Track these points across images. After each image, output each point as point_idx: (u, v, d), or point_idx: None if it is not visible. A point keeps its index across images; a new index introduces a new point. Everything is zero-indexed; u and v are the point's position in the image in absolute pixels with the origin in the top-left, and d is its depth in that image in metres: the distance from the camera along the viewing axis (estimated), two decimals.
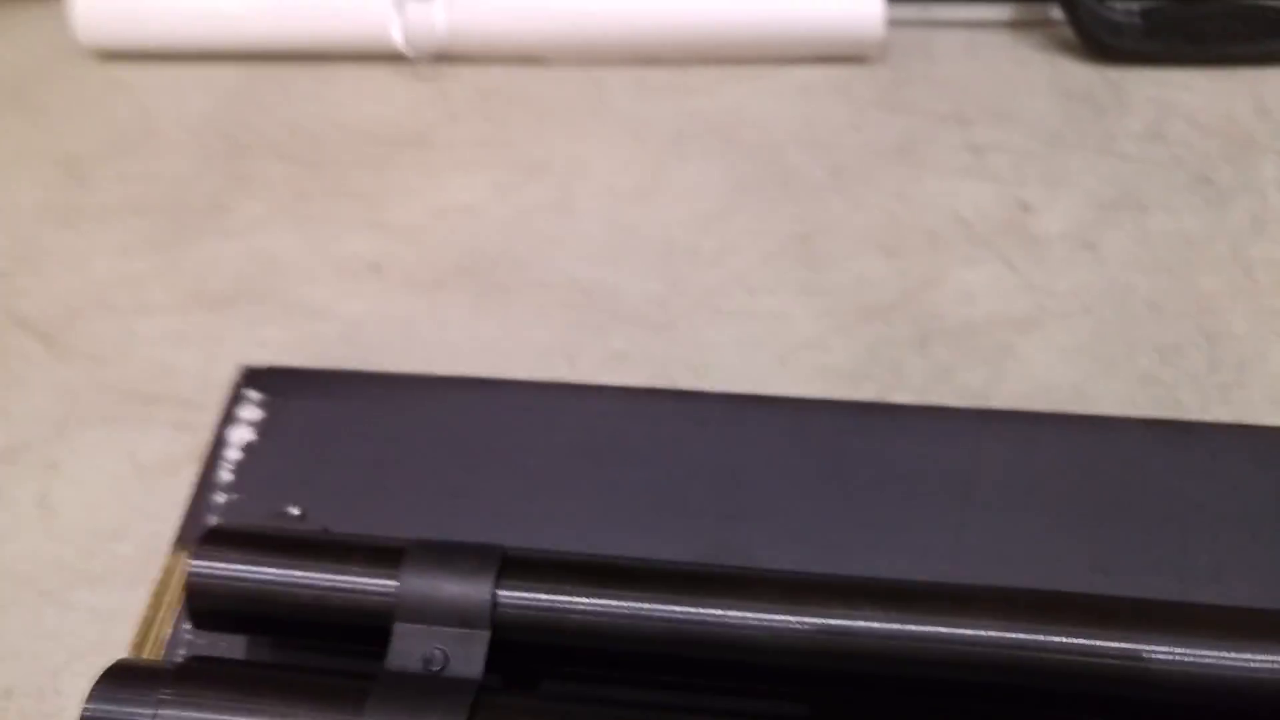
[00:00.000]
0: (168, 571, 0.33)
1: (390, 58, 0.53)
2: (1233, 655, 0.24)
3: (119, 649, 0.32)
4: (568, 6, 0.52)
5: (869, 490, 0.31)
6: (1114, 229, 0.45)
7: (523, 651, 0.26)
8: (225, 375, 0.39)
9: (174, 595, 0.32)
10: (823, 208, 0.46)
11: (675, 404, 0.34)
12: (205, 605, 0.27)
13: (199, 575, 0.27)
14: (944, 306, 0.42)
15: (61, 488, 0.39)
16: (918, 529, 0.30)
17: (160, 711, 0.25)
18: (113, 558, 0.37)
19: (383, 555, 0.26)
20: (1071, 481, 0.31)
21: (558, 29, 0.52)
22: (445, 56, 0.53)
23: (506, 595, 0.26)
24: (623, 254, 0.45)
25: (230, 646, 0.29)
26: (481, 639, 0.25)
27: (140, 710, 0.25)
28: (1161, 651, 0.24)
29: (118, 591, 0.35)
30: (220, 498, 0.34)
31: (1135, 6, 0.51)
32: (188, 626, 0.29)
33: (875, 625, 0.24)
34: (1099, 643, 0.24)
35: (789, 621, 0.24)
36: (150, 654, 0.31)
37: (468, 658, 0.25)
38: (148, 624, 0.32)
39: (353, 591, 0.26)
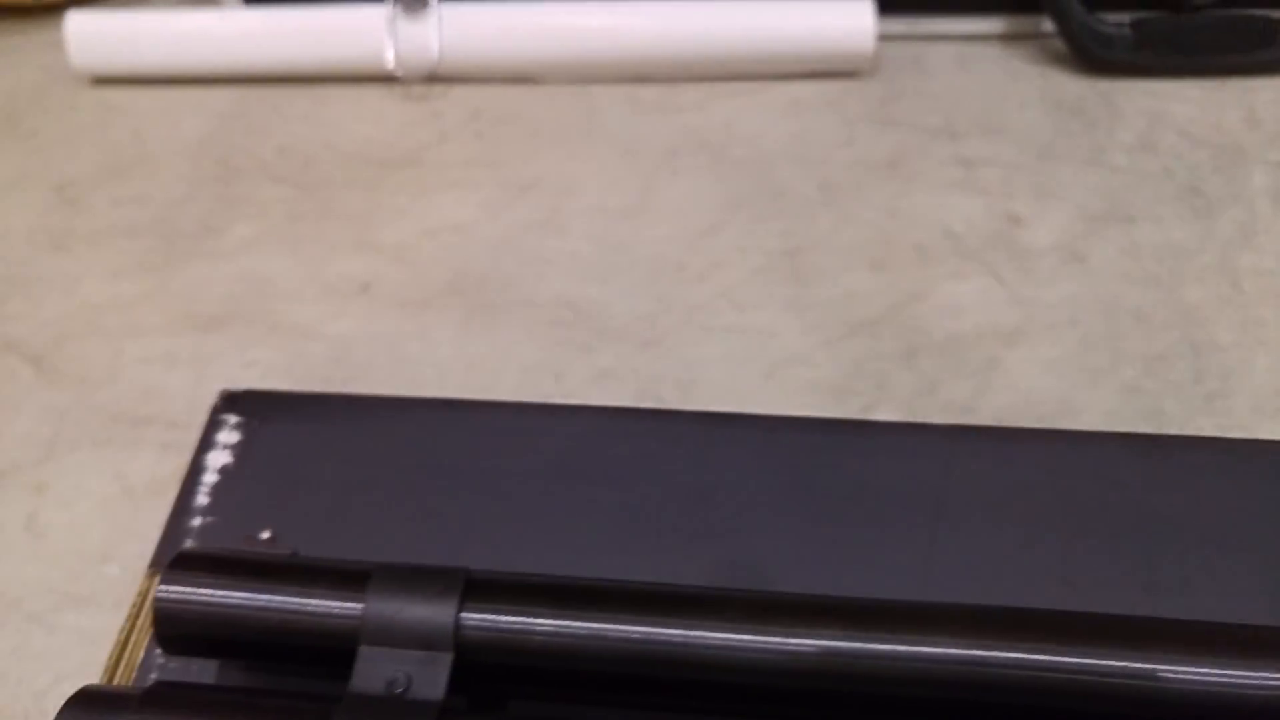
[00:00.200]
0: (142, 595, 0.33)
1: (382, 79, 0.53)
2: (1246, 674, 0.24)
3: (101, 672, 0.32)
4: (558, 25, 0.53)
5: (842, 506, 0.31)
6: (1103, 241, 0.45)
7: (487, 673, 0.26)
8: (214, 397, 0.39)
9: (147, 619, 0.32)
10: (812, 223, 0.46)
11: (649, 423, 0.34)
12: (173, 630, 0.27)
13: (166, 600, 0.27)
14: (931, 320, 0.42)
15: (50, 510, 0.39)
16: (889, 545, 0.30)
17: None
18: (100, 579, 0.37)
19: (348, 579, 0.26)
20: (1042, 496, 0.31)
21: (548, 48, 0.53)
22: (437, 77, 0.53)
23: (469, 618, 0.26)
24: (612, 272, 0.45)
25: (202, 670, 0.29)
26: (444, 661, 0.25)
27: None
28: (1172, 671, 0.24)
29: (105, 613, 0.35)
30: (196, 521, 0.34)
31: (1126, 18, 0.51)
32: (159, 651, 0.29)
33: (842, 645, 0.24)
34: (1105, 662, 0.24)
35: (753, 641, 0.24)
36: (123, 678, 0.31)
37: (430, 680, 0.25)
38: (120, 647, 0.32)
39: (318, 615, 0.26)
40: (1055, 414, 0.38)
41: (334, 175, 0.50)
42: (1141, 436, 0.33)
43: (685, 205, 0.47)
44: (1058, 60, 0.52)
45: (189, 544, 0.33)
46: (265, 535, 0.32)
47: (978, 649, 0.23)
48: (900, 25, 0.53)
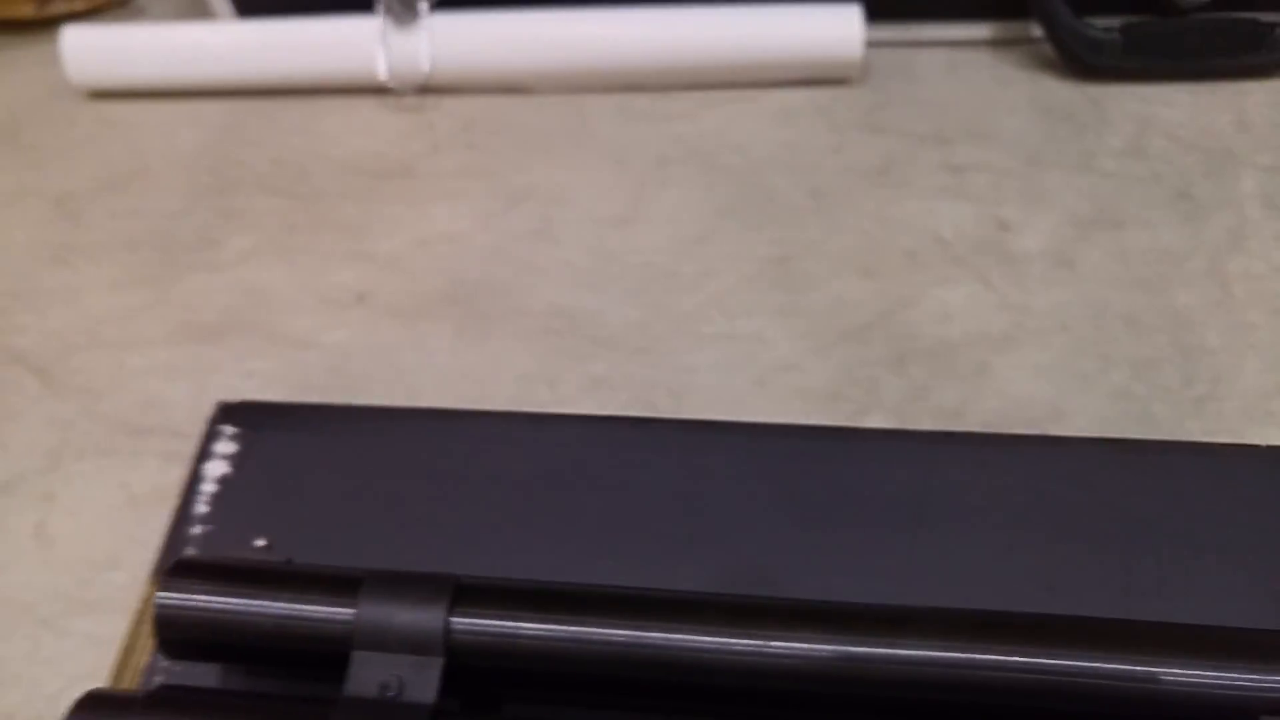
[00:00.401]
0: (145, 601, 0.33)
1: (375, 90, 0.54)
2: (1223, 676, 0.24)
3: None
4: (548, 36, 0.53)
5: (831, 512, 0.32)
6: (1092, 246, 0.45)
7: (478, 676, 0.26)
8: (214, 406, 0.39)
9: (151, 624, 0.32)
10: (802, 230, 0.47)
11: (641, 432, 0.34)
12: (173, 635, 0.28)
13: (166, 606, 0.28)
14: (921, 326, 0.43)
15: (57, 518, 0.40)
16: (879, 550, 0.30)
17: None
18: (108, 586, 0.38)
19: (341, 585, 0.27)
20: (1029, 501, 0.31)
21: (539, 58, 0.53)
22: (429, 88, 0.53)
23: (459, 622, 0.26)
24: (604, 280, 0.45)
25: (204, 674, 0.30)
26: (435, 665, 0.25)
27: None
28: (1150, 672, 0.24)
29: (112, 618, 0.36)
30: (196, 530, 0.34)
31: (1115, 23, 0.51)
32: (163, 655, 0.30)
33: (828, 648, 0.24)
34: (1088, 664, 0.24)
35: (735, 644, 0.25)
36: (128, 682, 0.32)
37: (422, 683, 0.25)
38: (126, 652, 0.32)
39: (312, 621, 0.27)
40: (1045, 419, 0.39)
41: (328, 186, 0.50)
42: (1124, 442, 0.33)
43: (676, 213, 0.48)
44: (1047, 65, 0.53)
45: (188, 552, 0.33)
46: (261, 543, 0.33)
47: (969, 652, 0.24)
48: (889, 32, 0.54)
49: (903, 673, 0.24)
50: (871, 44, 0.52)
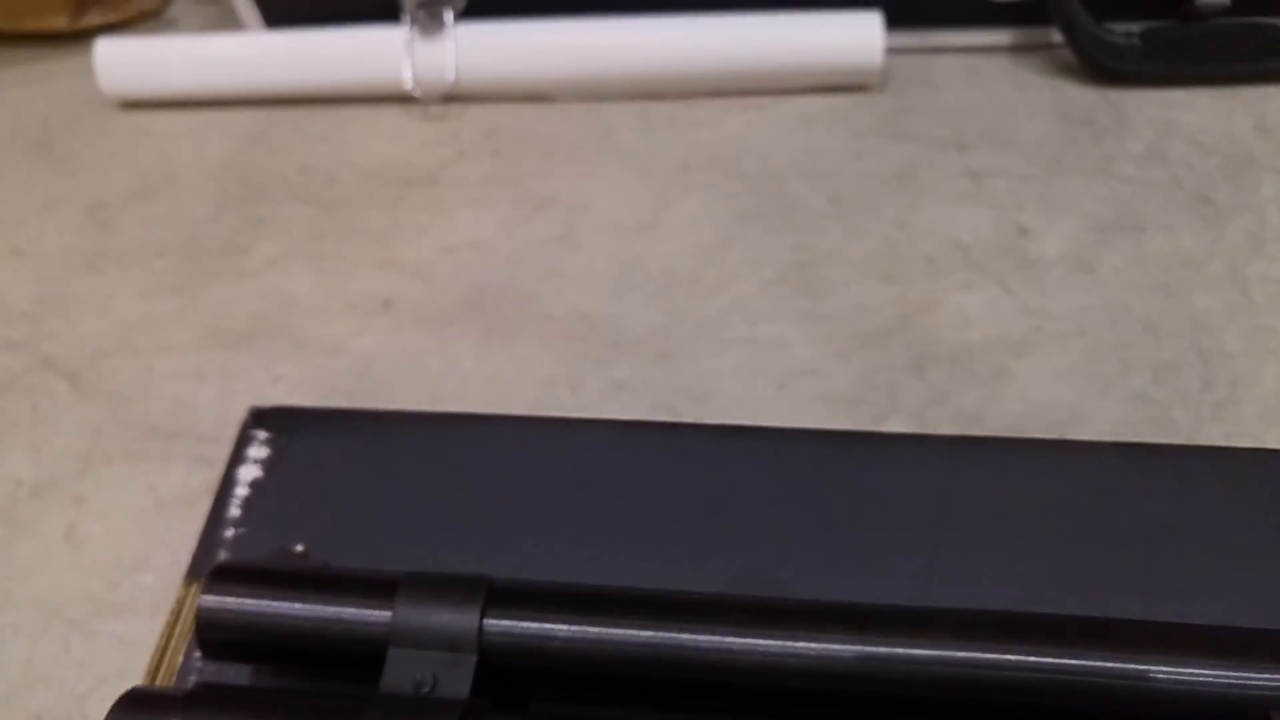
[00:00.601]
0: (179, 602, 0.34)
1: (400, 99, 0.54)
2: (1234, 674, 0.24)
3: (142, 675, 0.33)
4: (572, 45, 0.54)
5: (852, 516, 0.32)
6: (1111, 250, 0.45)
7: (509, 674, 0.27)
8: (242, 411, 0.40)
9: (185, 625, 0.33)
10: (822, 236, 0.47)
11: (663, 436, 0.35)
12: (215, 636, 0.29)
13: (208, 609, 0.28)
14: (941, 331, 0.43)
15: (87, 521, 0.40)
16: (898, 554, 0.31)
17: None
18: (136, 588, 0.38)
19: (378, 587, 0.28)
20: (1048, 505, 0.32)
21: (562, 67, 0.54)
22: (454, 97, 0.54)
23: (492, 622, 0.27)
24: (626, 286, 0.46)
25: (237, 674, 0.31)
26: (469, 663, 0.26)
27: None
28: (1166, 672, 0.24)
29: (142, 620, 0.37)
30: (230, 533, 0.35)
31: (1135, 28, 0.51)
32: (198, 654, 0.31)
33: (851, 648, 0.25)
34: (1104, 664, 0.25)
35: (759, 644, 0.25)
36: (163, 681, 0.32)
37: (456, 680, 0.26)
38: (160, 652, 0.33)
39: (350, 622, 0.28)
40: (1064, 423, 0.39)
41: (355, 194, 0.51)
42: (1143, 446, 0.33)
43: (698, 220, 0.48)
44: (1066, 71, 0.53)
45: (224, 556, 0.34)
46: (299, 548, 0.33)
47: (990, 652, 0.24)
48: (908, 39, 0.54)
49: (925, 672, 0.24)
50: (891, 51, 0.52)
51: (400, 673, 0.26)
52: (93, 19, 0.59)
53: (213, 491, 0.38)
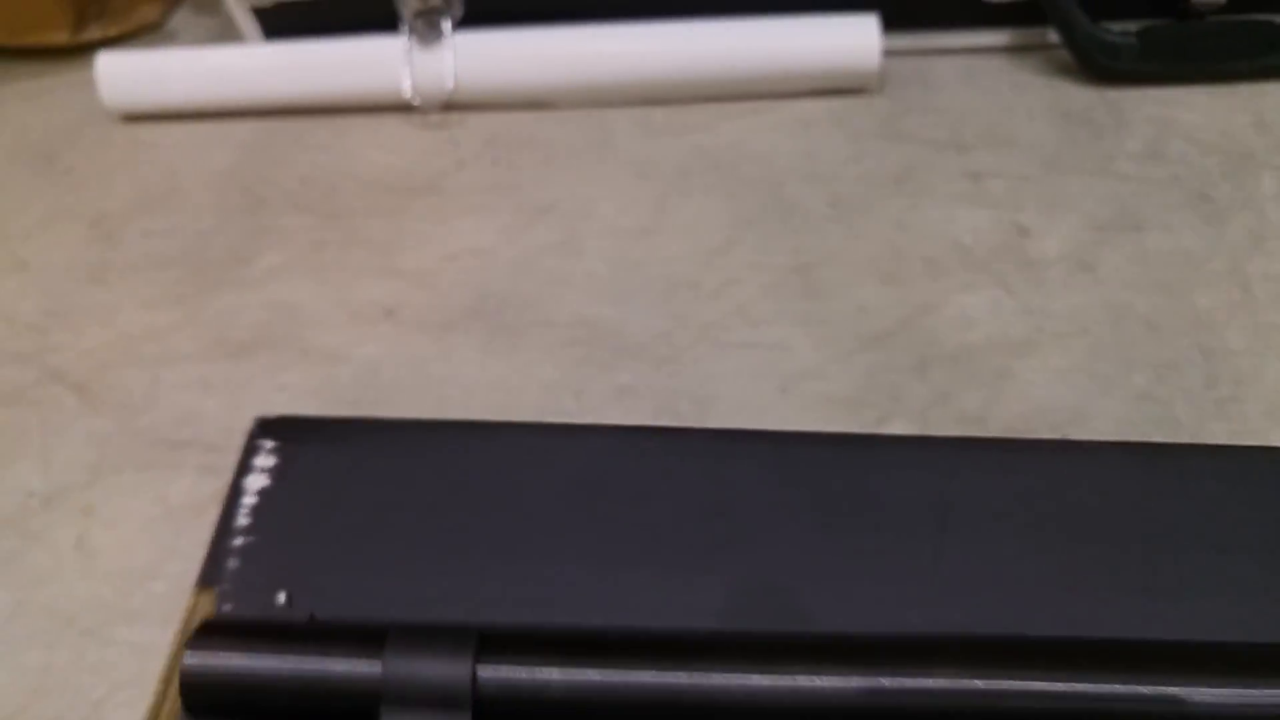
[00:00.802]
0: (190, 610, 0.34)
1: (400, 108, 0.54)
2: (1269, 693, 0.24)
3: (155, 682, 0.34)
4: (570, 51, 0.54)
5: (855, 519, 0.32)
6: (1112, 249, 0.45)
7: None
8: (247, 420, 0.40)
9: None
10: (822, 239, 0.47)
11: (667, 441, 0.35)
12: (200, 698, 0.28)
13: (192, 669, 0.28)
14: (942, 332, 0.43)
15: (98, 531, 0.41)
16: (902, 556, 0.31)
17: None
18: (148, 596, 0.38)
19: (365, 641, 0.27)
20: (1052, 505, 0.32)
21: (561, 74, 0.54)
22: (453, 105, 0.54)
23: (485, 674, 0.27)
24: (627, 291, 0.46)
25: None
26: (464, 718, 0.26)
27: None
28: (1201, 694, 0.24)
29: (154, 627, 0.37)
30: (238, 541, 0.35)
31: (1132, 27, 0.52)
32: None
33: (859, 684, 0.25)
34: (1134, 688, 0.24)
35: (762, 682, 0.25)
36: (175, 689, 0.32)
37: None
38: (174, 660, 0.33)
39: (339, 680, 0.27)
40: (1067, 423, 0.39)
41: (356, 203, 0.51)
42: (1146, 445, 0.33)
43: (698, 224, 0.49)
44: (1064, 71, 0.53)
45: (228, 566, 0.34)
46: (281, 598, 0.33)
47: (997, 680, 0.24)
48: (905, 41, 0.54)
49: (932, 704, 0.24)
50: (889, 53, 0.53)
51: None
52: (93, 32, 0.60)
53: (220, 500, 0.38)
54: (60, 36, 0.59)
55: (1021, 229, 0.47)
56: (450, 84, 0.54)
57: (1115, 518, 0.31)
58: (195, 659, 0.28)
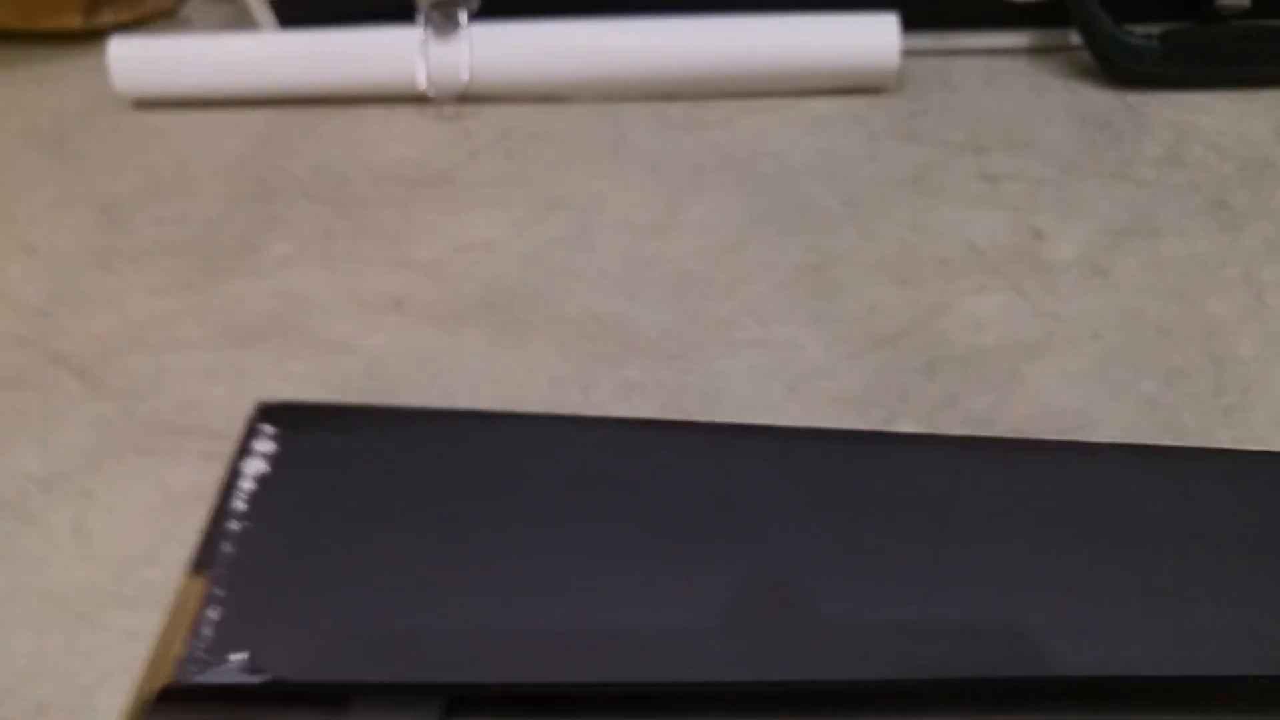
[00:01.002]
0: (180, 594, 0.34)
1: (414, 99, 0.54)
2: None
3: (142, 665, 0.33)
4: (586, 45, 0.54)
5: (861, 516, 0.32)
6: (1126, 254, 0.45)
7: None
8: (252, 408, 0.40)
9: (186, 616, 0.33)
10: (836, 238, 0.47)
11: (674, 435, 0.35)
12: None
13: None
14: (954, 334, 0.43)
15: (96, 515, 0.40)
16: (908, 554, 0.30)
17: None
18: (143, 582, 0.38)
19: (328, 708, 0.27)
20: (1058, 506, 0.31)
21: (576, 67, 0.54)
22: (467, 97, 0.54)
23: None
24: (638, 287, 0.46)
25: None
26: None
27: None
28: None
29: (148, 613, 0.36)
30: (235, 526, 0.35)
31: (1154, 30, 0.51)
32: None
33: None
34: None
35: None
36: (165, 675, 0.32)
37: None
38: (165, 644, 0.33)
39: None
40: (1075, 427, 0.39)
41: (368, 194, 0.51)
42: (1151, 448, 0.33)
43: (711, 221, 0.48)
44: (1085, 73, 0.53)
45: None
46: (241, 658, 0.32)
47: None
48: (925, 41, 0.54)
49: None
50: (908, 53, 0.52)
51: None
52: (106, 18, 0.60)
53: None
54: (73, 21, 0.59)
55: (1036, 232, 0.46)
56: (465, 76, 0.53)
57: (1118, 519, 0.31)
58: None
